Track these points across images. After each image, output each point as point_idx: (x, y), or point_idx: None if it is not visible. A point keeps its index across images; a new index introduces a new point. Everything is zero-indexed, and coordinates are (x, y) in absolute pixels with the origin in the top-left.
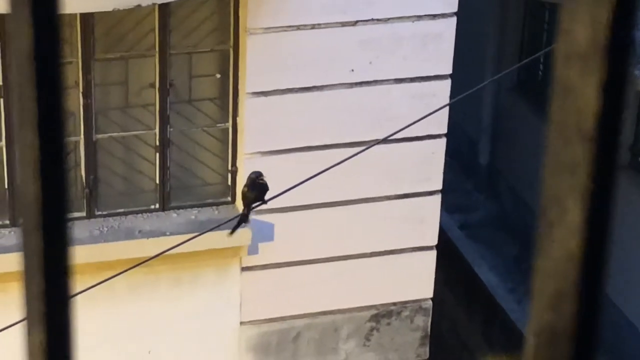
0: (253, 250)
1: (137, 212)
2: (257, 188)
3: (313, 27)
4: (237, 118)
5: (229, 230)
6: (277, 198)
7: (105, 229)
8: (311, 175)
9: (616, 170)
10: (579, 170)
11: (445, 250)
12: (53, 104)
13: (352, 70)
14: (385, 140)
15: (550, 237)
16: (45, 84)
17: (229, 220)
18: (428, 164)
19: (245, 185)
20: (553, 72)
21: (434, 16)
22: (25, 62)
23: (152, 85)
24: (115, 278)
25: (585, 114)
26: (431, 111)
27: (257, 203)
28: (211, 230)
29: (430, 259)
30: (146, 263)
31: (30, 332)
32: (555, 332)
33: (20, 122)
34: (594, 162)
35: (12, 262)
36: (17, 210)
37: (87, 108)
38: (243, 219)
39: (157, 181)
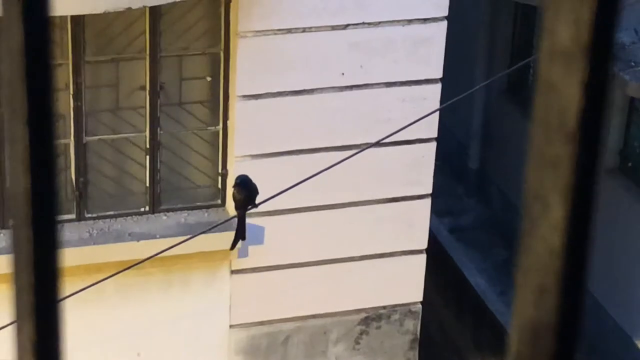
0: (243, 253)
1: (127, 215)
2: (245, 189)
3: (304, 30)
4: (228, 121)
5: (229, 247)
6: (267, 202)
7: (95, 231)
8: (301, 177)
9: (598, 167)
10: (562, 166)
11: (435, 254)
12: (43, 99)
13: (343, 74)
14: (375, 144)
15: (533, 233)
16: (35, 80)
17: (220, 224)
18: (418, 168)
19: (233, 186)
20: (537, 70)
21: (425, 20)
22: (16, 58)
23: (143, 88)
24: (105, 280)
25: (568, 111)
26: (421, 115)
27: (249, 207)
28: (202, 233)
29: (420, 262)
30: (136, 265)
31: (20, 331)
32: (538, 326)
33: (11, 117)
34: (577, 159)
35: (3, 264)
36: (7, 211)
37: (77, 110)
38: (241, 235)
39: (147, 184)
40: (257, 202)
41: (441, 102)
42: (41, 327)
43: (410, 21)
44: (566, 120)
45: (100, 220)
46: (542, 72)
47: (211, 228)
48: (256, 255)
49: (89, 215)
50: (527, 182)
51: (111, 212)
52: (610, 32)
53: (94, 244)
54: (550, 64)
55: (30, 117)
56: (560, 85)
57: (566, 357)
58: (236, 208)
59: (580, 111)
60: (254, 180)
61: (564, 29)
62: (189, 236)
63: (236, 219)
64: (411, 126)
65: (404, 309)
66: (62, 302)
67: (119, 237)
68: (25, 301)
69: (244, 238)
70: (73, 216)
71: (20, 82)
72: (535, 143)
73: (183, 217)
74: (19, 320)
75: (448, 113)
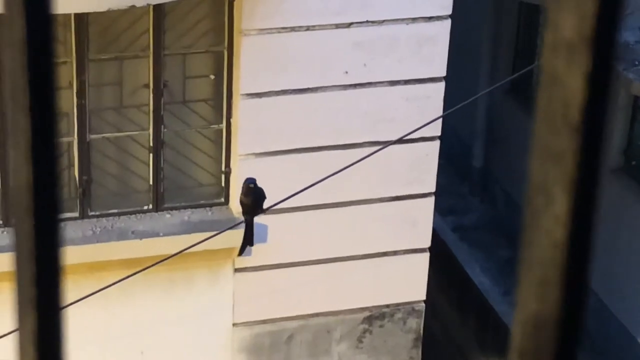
0: (246, 251)
1: (130, 213)
2: (252, 194)
3: (307, 28)
4: (231, 119)
5: (238, 253)
6: (271, 200)
7: (99, 229)
8: (304, 176)
9: (602, 159)
10: (565, 159)
11: (439, 252)
12: (45, 91)
13: (346, 72)
14: (378, 143)
15: (536, 226)
16: (37, 73)
17: (226, 229)
18: (421, 167)
19: (241, 193)
20: (540, 63)
21: (429, 18)
22: (18, 51)
23: (146, 86)
24: (107, 279)
25: (571, 103)
26: (425, 113)
27: (258, 212)
28: (209, 238)
29: (423, 261)
30: (139, 264)
31: (21, 326)
32: (540, 320)
33: (13, 109)
34: (580, 152)
35: (6, 262)
36: (10, 209)
37: (80, 108)
38: (248, 241)
39: (151, 182)
40: (264, 206)
41: (445, 101)
42: (43, 323)
43: (414, 20)
44: (569, 113)
45: (104, 218)
46: (545, 64)
47: (218, 233)
48: (259, 253)
49: (93, 213)
50: (530, 175)
51: (114, 210)
52: (614, 25)
53: (97, 242)
54: (554, 57)
55: (33, 109)
56: (564, 78)
57: (568, 350)
58: (244, 213)
59: (583, 104)
60: (258, 179)
61: (567, 21)
62: (193, 235)
63: (241, 220)
64: (415, 125)
65: (407, 308)
66: (64, 296)
67: (122, 235)
68: (27, 295)
69: (251, 244)
70: (76, 214)
71: (22, 75)
72: (538, 136)
73: (186, 215)
74: (21, 317)
75: (451, 112)
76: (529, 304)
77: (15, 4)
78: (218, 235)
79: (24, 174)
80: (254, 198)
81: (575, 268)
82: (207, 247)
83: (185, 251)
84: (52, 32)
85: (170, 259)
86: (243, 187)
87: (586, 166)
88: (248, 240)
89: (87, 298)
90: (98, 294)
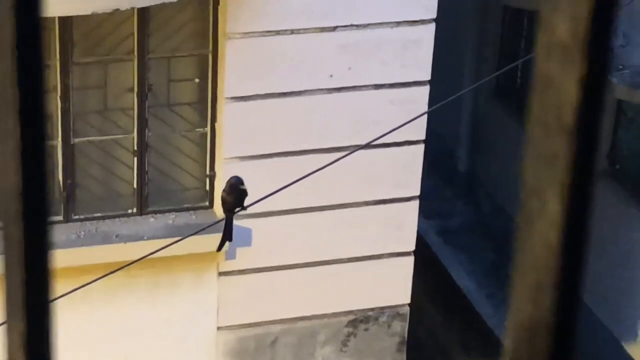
0: (230, 255)
1: (114, 217)
2: (235, 192)
3: (292, 32)
4: (216, 123)
5: (216, 249)
6: (256, 204)
7: (83, 233)
8: (289, 179)
9: (596, 163)
10: (559, 162)
11: (423, 256)
12: (34, 95)
13: (331, 76)
14: (365, 146)
15: (530, 230)
16: (27, 76)
17: (208, 227)
18: (406, 170)
19: (224, 190)
20: (534, 66)
21: (413, 22)
22: (7, 55)
23: (131, 90)
24: (92, 283)
25: (565, 106)
26: (410, 117)
27: (237, 209)
28: (190, 235)
29: (407, 264)
30: (124, 267)
31: (10, 330)
32: (534, 323)
33: (2, 110)
34: (574, 155)
35: None
36: None
37: (65, 112)
38: (228, 237)
39: (135, 185)
40: (245, 204)
41: (429, 105)
42: (32, 327)
43: (398, 23)
44: (563, 115)
45: (88, 222)
46: (539, 67)
47: (200, 231)
48: (244, 257)
49: (77, 216)
50: (524, 178)
51: (99, 214)
52: (608, 28)
53: (82, 245)
54: (548, 60)
55: (22, 113)
56: (558, 81)
57: (563, 354)
58: (225, 210)
59: (577, 107)
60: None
61: (561, 24)
62: (177, 238)
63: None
64: (399, 128)
65: (392, 311)
66: (53, 301)
67: (106, 239)
68: (16, 300)
69: (230, 239)
70: (60, 218)
71: (11, 79)
72: (532, 139)
73: (171, 218)
74: (9, 320)
75: (436, 115)
76: (522, 308)
77: (4, 7)
78: (202, 239)
79: (13, 177)
80: (236, 196)
81: (569, 272)
82: (191, 251)
83: (169, 255)
84: (42, 36)
85: (154, 262)
86: (227, 185)
87: (580, 169)
88: (227, 236)
89: (71, 302)
90: (82, 298)
